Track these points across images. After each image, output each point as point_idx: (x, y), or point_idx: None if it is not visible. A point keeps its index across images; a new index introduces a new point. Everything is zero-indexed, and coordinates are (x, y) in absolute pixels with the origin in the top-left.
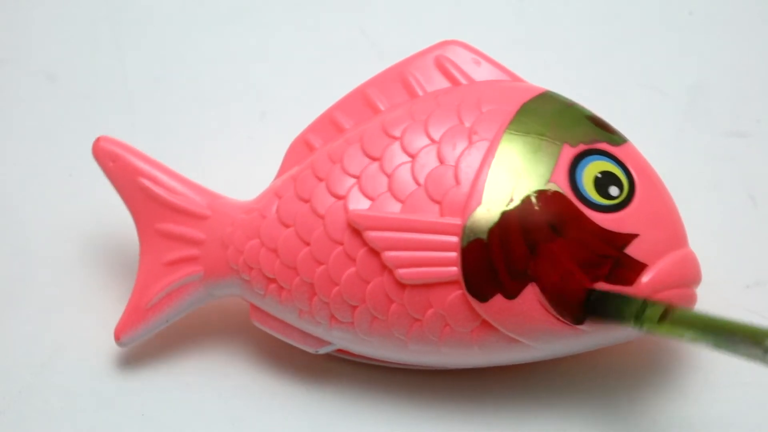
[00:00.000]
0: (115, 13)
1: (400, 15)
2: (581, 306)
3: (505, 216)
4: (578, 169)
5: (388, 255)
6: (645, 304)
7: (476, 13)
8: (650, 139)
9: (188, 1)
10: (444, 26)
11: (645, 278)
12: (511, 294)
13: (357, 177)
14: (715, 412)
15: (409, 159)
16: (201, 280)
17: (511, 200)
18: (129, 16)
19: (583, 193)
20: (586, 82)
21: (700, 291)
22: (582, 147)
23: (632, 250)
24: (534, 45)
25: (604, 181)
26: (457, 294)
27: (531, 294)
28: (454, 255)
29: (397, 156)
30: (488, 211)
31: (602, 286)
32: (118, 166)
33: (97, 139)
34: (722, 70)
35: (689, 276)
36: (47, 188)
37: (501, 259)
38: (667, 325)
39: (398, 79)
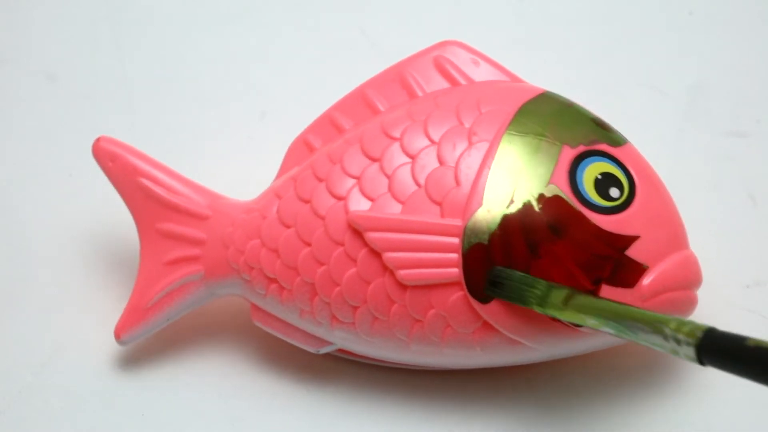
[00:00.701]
0: (115, 13)
1: (400, 15)
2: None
3: (506, 218)
4: (578, 171)
5: (389, 256)
6: (549, 288)
7: (476, 13)
8: (650, 139)
9: (188, 1)
10: (444, 26)
11: (646, 280)
12: None
13: (357, 178)
14: (715, 412)
15: (409, 160)
16: (202, 280)
17: (512, 202)
18: (129, 16)
19: (584, 195)
20: (586, 82)
21: (700, 291)
22: (582, 148)
23: (633, 251)
24: (534, 45)
25: (604, 183)
26: (458, 295)
27: None
28: (455, 256)
29: (396, 157)
30: (489, 212)
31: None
32: (117, 165)
33: (97, 139)
34: (722, 70)
35: (690, 278)
36: (47, 188)
37: (502, 260)
38: (570, 310)
39: (397, 79)
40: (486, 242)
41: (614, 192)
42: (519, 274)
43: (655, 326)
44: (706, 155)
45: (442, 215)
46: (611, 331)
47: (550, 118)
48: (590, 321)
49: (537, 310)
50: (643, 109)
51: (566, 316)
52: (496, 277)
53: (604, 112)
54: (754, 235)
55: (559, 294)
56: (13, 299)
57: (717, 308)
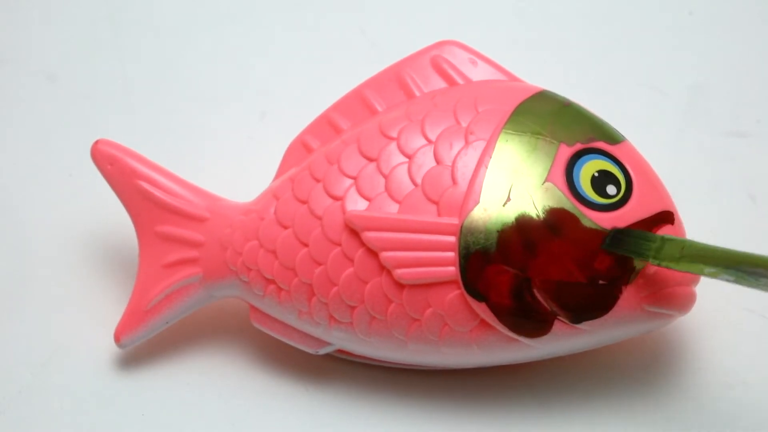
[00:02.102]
0: (115, 13)
1: (400, 15)
2: (583, 297)
3: (503, 216)
4: (575, 168)
5: (386, 255)
6: (663, 241)
7: (476, 13)
8: (650, 139)
9: (188, 1)
10: (443, 26)
11: (644, 277)
12: None
13: (354, 178)
14: (715, 412)
15: (406, 159)
16: (200, 282)
17: (509, 200)
18: (129, 16)
19: (581, 192)
20: (586, 82)
21: (700, 290)
22: (579, 146)
23: None
24: (534, 45)
25: (601, 180)
26: (455, 294)
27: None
28: (451, 255)
29: (394, 156)
30: (485, 211)
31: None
32: (116, 168)
33: (96, 142)
34: (722, 70)
35: (688, 275)
36: (47, 188)
37: (499, 259)
38: (686, 261)
39: (395, 79)
40: (483, 240)
41: (611, 189)
42: (636, 231)
43: None
44: (706, 155)
45: (439, 214)
46: (730, 278)
47: (547, 116)
48: (708, 270)
49: (653, 263)
50: (643, 109)
51: (683, 267)
52: (616, 234)
53: (604, 112)
54: (754, 235)
55: (673, 245)
56: (13, 299)
57: (717, 308)
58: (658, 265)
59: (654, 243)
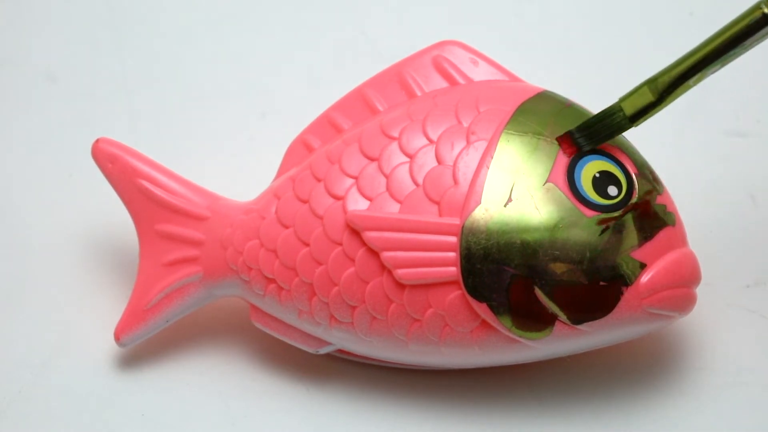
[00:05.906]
0: (115, 13)
1: (400, 15)
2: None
3: (504, 217)
4: (576, 169)
5: (387, 255)
6: (620, 104)
7: (476, 13)
8: (650, 139)
9: (188, 1)
10: (444, 26)
11: (644, 278)
12: None
13: (355, 177)
14: (715, 412)
15: (407, 159)
16: (201, 281)
17: (510, 200)
18: (129, 16)
19: (582, 193)
20: (587, 82)
21: (700, 291)
22: None
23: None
24: (534, 45)
25: (602, 181)
26: (456, 294)
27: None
28: (452, 255)
29: (395, 156)
30: (486, 211)
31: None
32: (117, 167)
33: (96, 141)
34: (722, 70)
35: (688, 276)
36: (47, 188)
37: (499, 259)
38: (668, 95)
39: (396, 79)
40: (484, 241)
41: (612, 190)
42: (592, 118)
43: (746, 27)
44: (706, 155)
45: (440, 214)
46: (718, 68)
47: (548, 116)
48: (691, 84)
49: (634, 127)
50: None
51: (670, 100)
52: (580, 132)
53: None
54: (754, 235)
55: (641, 95)
56: (13, 299)
57: (717, 308)
58: (640, 124)
59: (618, 114)
